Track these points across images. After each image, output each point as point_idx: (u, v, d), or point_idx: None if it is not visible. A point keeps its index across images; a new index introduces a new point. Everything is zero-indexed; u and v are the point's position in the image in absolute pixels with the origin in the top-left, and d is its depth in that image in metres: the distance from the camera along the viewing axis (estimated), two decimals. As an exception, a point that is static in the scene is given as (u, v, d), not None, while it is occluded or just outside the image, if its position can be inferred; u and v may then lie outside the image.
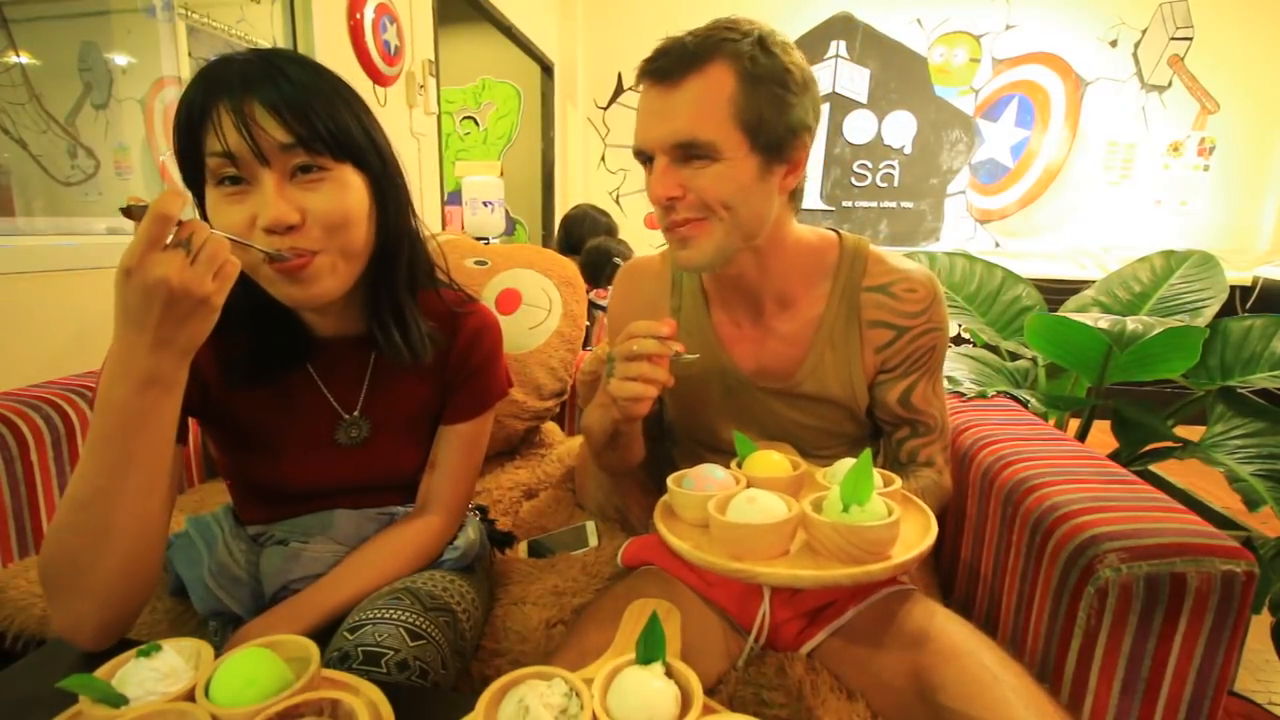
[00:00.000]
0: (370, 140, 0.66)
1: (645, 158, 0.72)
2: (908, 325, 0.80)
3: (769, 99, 0.68)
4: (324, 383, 0.74)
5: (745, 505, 0.55)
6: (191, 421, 0.74)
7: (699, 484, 0.61)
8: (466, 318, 0.80)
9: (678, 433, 0.90)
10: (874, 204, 3.96)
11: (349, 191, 0.63)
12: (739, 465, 0.66)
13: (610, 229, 2.57)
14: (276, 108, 0.59)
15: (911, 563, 0.53)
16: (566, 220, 2.61)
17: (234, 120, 0.57)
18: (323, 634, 0.65)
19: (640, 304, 0.87)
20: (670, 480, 0.63)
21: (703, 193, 0.69)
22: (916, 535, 0.56)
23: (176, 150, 0.62)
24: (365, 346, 0.75)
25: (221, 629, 0.75)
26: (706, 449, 0.85)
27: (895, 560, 0.52)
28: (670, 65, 0.67)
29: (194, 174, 0.62)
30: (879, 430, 0.90)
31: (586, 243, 2.40)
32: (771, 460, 0.66)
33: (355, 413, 0.75)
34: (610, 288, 0.77)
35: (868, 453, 0.53)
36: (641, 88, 0.71)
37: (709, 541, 0.56)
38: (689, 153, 0.68)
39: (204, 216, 0.63)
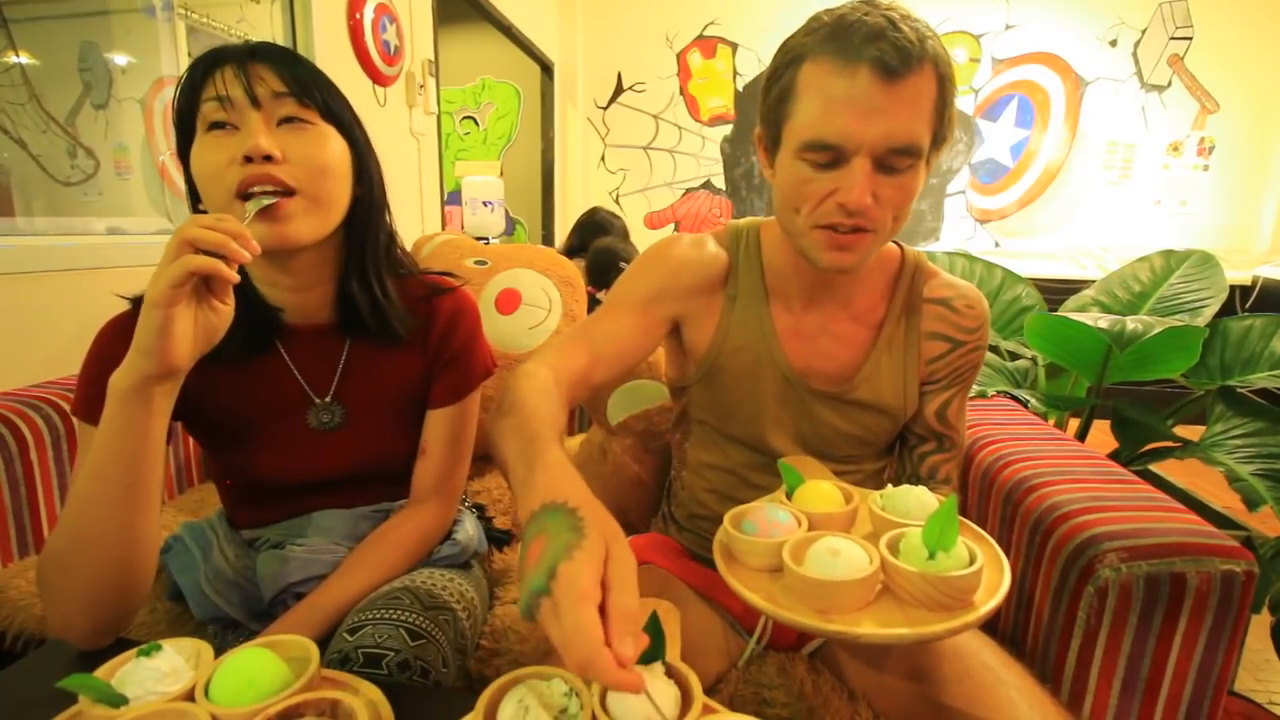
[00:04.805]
0: (355, 120, 0.72)
1: (833, 155, 0.63)
2: (963, 340, 0.79)
3: (950, 103, 0.64)
4: (296, 367, 0.75)
5: (829, 558, 0.52)
6: (179, 425, 0.74)
7: (763, 528, 0.57)
8: (443, 300, 0.80)
9: (704, 423, 0.85)
10: (874, 204, 3.96)
11: (330, 144, 0.68)
12: (788, 496, 0.64)
13: (624, 234, 2.58)
14: (276, 64, 0.65)
15: (998, 608, 0.50)
16: (580, 224, 2.60)
17: (235, 71, 0.63)
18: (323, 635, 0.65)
19: (691, 277, 0.79)
20: (727, 521, 0.59)
21: (887, 202, 0.64)
22: (991, 572, 0.54)
23: (175, 108, 0.66)
24: (339, 334, 0.76)
25: (220, 633, 0.75)
26: (737, 443, 0.83)
27: (984, 609, 0.50)
28: (895, 57, 0.59)
29: (188, 134, 0.66)
30: (893, 443, 0.87)
31: (611, 268, 2.41)
32: (822, 491, 0.62)
33: (327, 397, 0.75)
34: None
35: (953, 499, 0.51)
36: (825, 66, 0.62)
37: (782, 592, 0.53)
38: (890, 159, 0.62)
39: (189, 178, 0.68)
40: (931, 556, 0.51)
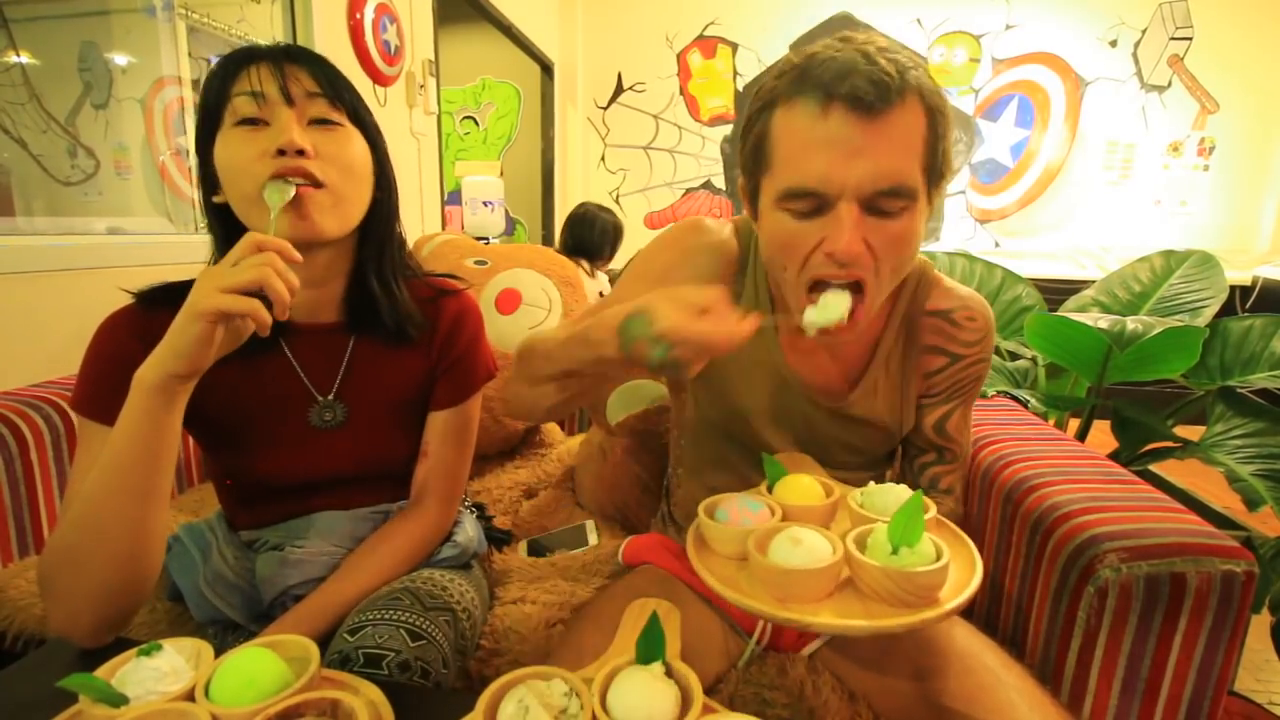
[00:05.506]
0: (376, 126, 0.74)
1: (815, 201, 0.59)
2: (962, 354, 0.77)
3: (944, 137, 0.61)
4: (300, 365, 0.75)
5: (790, 546, 0.52)
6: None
7: (734, 516, 0.58)
8: (447, 302, 0.81)
9: (703, 422, 0.85)
10: (874, 204, 3.97)
11: (356, 146, 0.70)
12: (769, 490, 0.64)
13: (617, 226, 2.58)
14: (310, 66, 0.68)
15: (963, 606, 0.50)
16: (571, 220, 2.60)
17: (271, 69, 0.65)
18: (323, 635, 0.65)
19: (698, 272, 0.75)
20: (701, 509, 0.59)
21: (883, 250, 0.60)
22: (963, 571, 0.53)
23: (202, 98, 0.67)
24: (343, 333, 0.76)
25: (220, 635, 0.75)
26: (735, 443, 0.82)
27: (947, 605, 0.49)
28: (871, 92, 0.55)
29: (211, 125, 0.67)
30: (892, 452, 0.86)
31: (595, 242, 2.41)
32: (803, 485, 0.62)
33: (330, 395, 0.75)
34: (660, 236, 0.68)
35: (919, 494, 0.51)
36: (797, 109, 0.59)
37: (747, 579, 0.54)
38: (879, 202, 0.58)
39: (208, 169, 0.68)
40: (895, 552, 0.51)
